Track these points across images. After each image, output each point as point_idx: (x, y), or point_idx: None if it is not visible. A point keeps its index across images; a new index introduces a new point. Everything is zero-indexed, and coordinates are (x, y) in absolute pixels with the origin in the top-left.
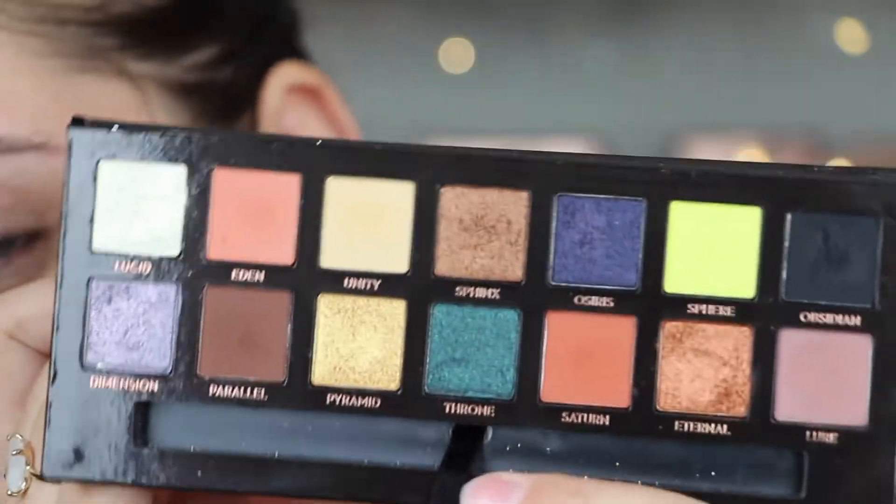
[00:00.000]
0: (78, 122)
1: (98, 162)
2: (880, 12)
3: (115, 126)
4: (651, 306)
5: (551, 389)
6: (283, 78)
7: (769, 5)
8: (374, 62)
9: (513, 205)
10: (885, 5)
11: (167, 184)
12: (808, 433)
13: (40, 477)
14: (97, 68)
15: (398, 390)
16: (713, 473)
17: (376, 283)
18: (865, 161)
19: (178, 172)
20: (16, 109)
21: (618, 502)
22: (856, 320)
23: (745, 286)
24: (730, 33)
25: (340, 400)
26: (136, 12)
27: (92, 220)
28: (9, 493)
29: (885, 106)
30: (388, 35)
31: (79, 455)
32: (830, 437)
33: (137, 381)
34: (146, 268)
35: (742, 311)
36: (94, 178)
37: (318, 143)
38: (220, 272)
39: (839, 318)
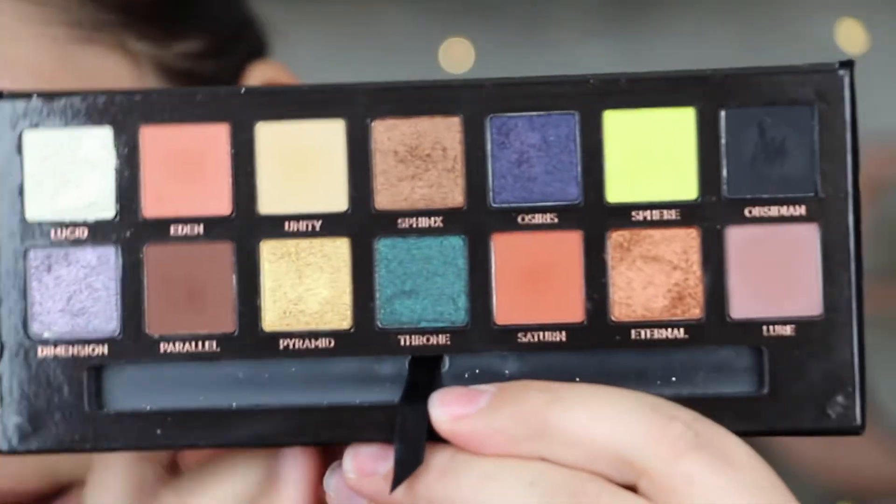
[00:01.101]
0: None
1: (21, 132)
2: (880, 12)
3: (35, 95)
4: (595, 218)
5: (504, 311)
6: (259, 75)
7: (769, 5)
8: (374, 62)
9: (445, 131)
10: (885, 5)
11: (94, 147)
12: (764, 328)
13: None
14: (99, 40)
15: (350, 328)
16: (673, 379)
17: (317, 224)
18: (866, 161)
19: (105, 134)
20: (19, 72)
21: (585, 395)
22: (800, 210)
23: (686, 188)
24: (729, 33)
25: (293, 344)
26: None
27: (22, 192)
28: None
29: (885, 106)
30: (388, 35)
31: (35, 426)
32: (787, 330)
33: (86, 347)
34: (83, 233)
35: (686, 213)
36: (20, 149)
37: (242, 91)
38: (159, 229)
39: (783, 210)
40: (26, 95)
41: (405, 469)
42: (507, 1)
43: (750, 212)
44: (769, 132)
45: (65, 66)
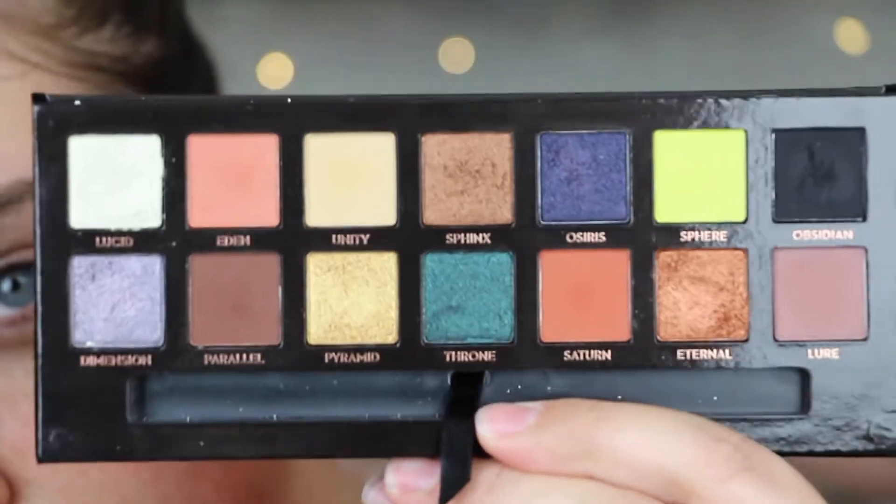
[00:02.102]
0: (40, 98)
1: (67, 138)
2: (880, 12)
3: (78, 100)
4: (644, 237)
5: (551, 329)
6: None
7: (769, 5)
8: (374, 62)
9: (496, 147)
10: (885, 5)
11: (141, 155)
12: (809, 351)
13: (38, 461)
14: None
15: (396, 343)
16: (715, 398)
17: (365, 238)
18: None
19: (152, 143)
20: None
21: (633, 415)
22: (848, 234)
23: (735, 210)
24: (730, 33)
25: (338, 358)
26: (148, 64)
27: (67, 198)
28: None
29: None
30: (388, 35)
31: (76, 435)
32: (832, 353)
33: (129, 357)
34: (128, 241)
35: (734, 235)
36: (65, 155)
37: (289, 101)
38: (205, 240)
39: (831, 234)
40: (73, 100)
41: (452, 486)
42: (507, 1)
43: (797, 235)
44: (818, 155)
45: None
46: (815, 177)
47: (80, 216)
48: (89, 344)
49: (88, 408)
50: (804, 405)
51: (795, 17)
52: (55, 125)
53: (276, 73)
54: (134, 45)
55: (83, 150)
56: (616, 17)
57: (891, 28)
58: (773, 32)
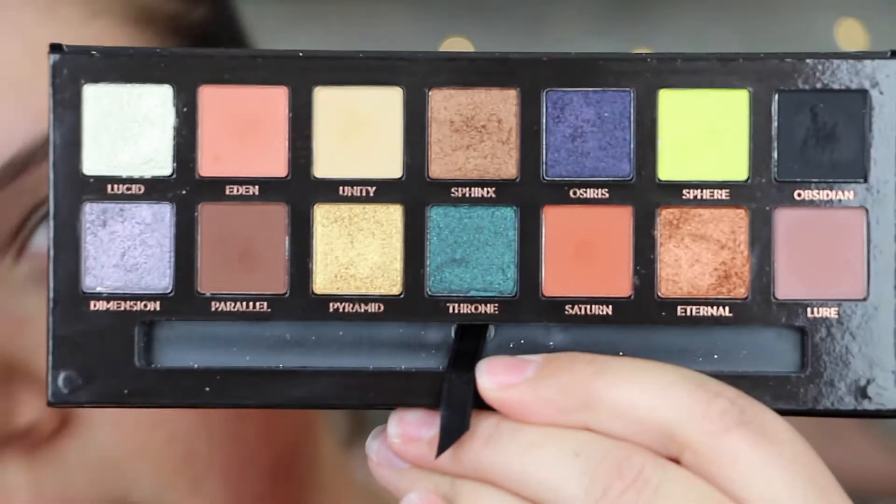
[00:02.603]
0: (57, 48)
1: (81, 87)
2: (880, 12)
3: (94, 50)
4: (646, 195)
5: (553, 283)
6: None
7: (769, 5)
8: None
9: (502, 103)
10: (885, 5)
11: (154, 105)
12: (808, 309)
13: (47, 404)
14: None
15: (400, 294)
16: (715, 356)
17: (371, 190)
18: None
19: (164, 93)
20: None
21: (631, 369)
22: (849, 195)
23: (737, 169)
24: (729, 33)
25: (343, 307)
26: (199, 26)
27: (80, 145)
28: None
29: None
30: (388, 35)
31: (85, 379)
32: (831, 312)
33: (138, 302)
34: (139, 189)
35: (736, 194)
36: (79, 103)
37: (300, 55)
38: (214, 189)
39: (832, 194)
40: (88, 50)
41: (451, 435)
42: (507, 1)
43: (799, 195)
44: (821, 117)
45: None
46: (817, 138)
47: (93, 163)
48: (99, 289)
49: (97, 352)
50: (803, 363)
51: (795, 17)
52: (70, 74)
53: None
54: (188, 5)
55: (97, 99)
56: (616, 17)
57: (891, 28)
58: (773, 32)
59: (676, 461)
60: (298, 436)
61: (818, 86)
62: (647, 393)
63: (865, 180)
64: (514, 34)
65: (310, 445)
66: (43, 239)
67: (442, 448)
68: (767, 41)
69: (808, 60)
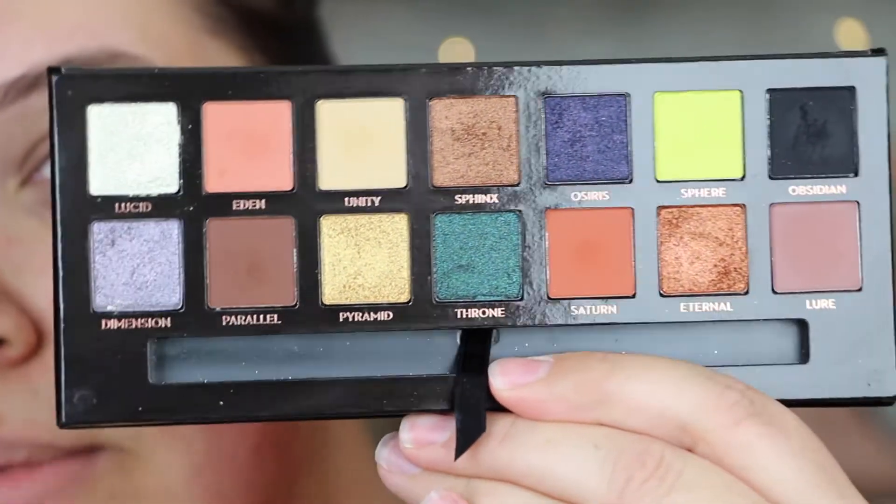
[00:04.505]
0: (55, 70)
1: (86, 107)
2: (880, 12)
3: (95, 72)
4: (646, 195)
5: (557, 285)
6: None
7: (769, 5)
8: (374, 62)
9: (501, 111)
10: (885, 5)
11: (159, 123)
12: (807, 301)
13: (60, 425)
14: (224, 36)
15: (409, 301)
16: (717, 351)
17: (376, 200)
18: None
19: (169, 111)
20: (151, 44)
21: (643, 364)
22: (841, 189)
23: (732, 167)
24: (729, 33)
25: (353, 317)
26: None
27: (86, 166)
28: None
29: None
30: (388, 35)
31: (98, 398)
32: (829, 303)
33: (149, 320)
34: (146, 207)
35: (732, 191)
36: (84, 124)
37: (300, 70)
38: (221, 204)
39: (825, 189)
40: (91, 71)
41: (468, 437)
42: (507, 1)
43: (793, 190)
44: (811, 114)
45: (194, 51)
46: (808, 134)
47: (100, 183)
48: (110, 308)
49: (110, 371)
50: (803, 355)
51: (795, 17)
52: (74, 95)
53: None
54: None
55: (101, 119)
56: (616, 17)
57: (891, 28)
58: (773, 33)
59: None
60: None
61: (807, 84)
62: (660, 388)
63: (856, 174)
64: (514, 34)
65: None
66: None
67: (460, 451)
68: (767, 41)
69: (797, 60)
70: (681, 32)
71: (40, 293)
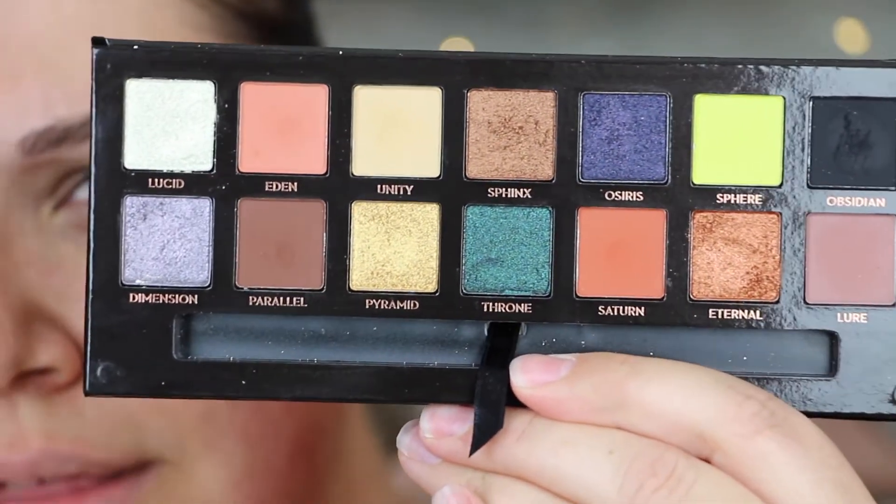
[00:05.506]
0: (99, 41)
1: (124, 81)
2: (880, 12)
3: (136, 45)
4: (681, 198)
5: (586, 284)
6: None
7: (769, 5)
8: None
9: (539, 105)
10: (885, 5)
11: (195, 100)
12: (838, 314)
13: (85, 394)
14: (225, 35)
15: (436, 292)
16: (745, 358)
17: (409, 189)
18: None
19: (206, 88)
20: None
21: (664, 369)
22: (881, 202)
23: (771, 174)
24: (729, 33)
25: (379, 304)
26: (272, 13)
27: (122, 139)
28: None
29: None
30: (388, 35)
31: (123, 370)
32: (860, 317)
33: (177, 296)
34: (179, 183)
35: (769, 199)
36: (122, 98)
37: (340, 53)
38: (254, 185)
39: (864, 201)
40: (132, 45)
41: (485, 432)
42: (507, 1)
43: (831, 201)
44: (854, 124)
45: None
46: (850, 145)
47: (134, 157)
48: (138, 282)
49: (135, 344)
50: (832, 367)
51: (795, 18)
52: (113, 68)
53: None
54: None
55: (139, 94)
56: (616, 18)
57: (891, 28)
58: (773, 32)
59: (707, 462)
60: (327, 418)
61: (852, 93)
62: (680, 394)
63: None
64: (514, 34)
65: (338, 431)
66: (85, 192)
67: (476, 445)
68: (768, 42)
69: (843, 68)
70: (680, 32)
71: (83, 318)
